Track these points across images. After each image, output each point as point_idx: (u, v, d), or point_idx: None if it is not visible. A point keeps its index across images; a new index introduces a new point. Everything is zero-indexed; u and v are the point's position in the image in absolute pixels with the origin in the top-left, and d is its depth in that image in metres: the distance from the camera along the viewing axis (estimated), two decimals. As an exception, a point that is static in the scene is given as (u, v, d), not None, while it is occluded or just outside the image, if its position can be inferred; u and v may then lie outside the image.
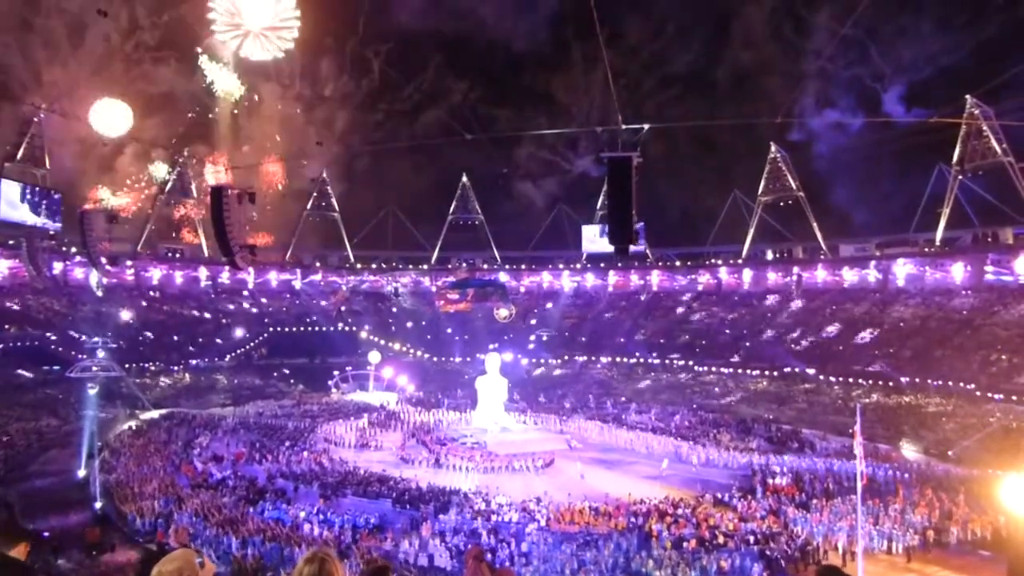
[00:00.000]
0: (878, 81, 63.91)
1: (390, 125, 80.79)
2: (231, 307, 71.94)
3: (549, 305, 77.49)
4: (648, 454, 39.59)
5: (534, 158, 79.56)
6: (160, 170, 68.64)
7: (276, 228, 75.04)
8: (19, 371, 49.25)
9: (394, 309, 78.52)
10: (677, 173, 69.19)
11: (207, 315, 69.14)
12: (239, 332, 66.37)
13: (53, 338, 54.80)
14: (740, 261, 71.89)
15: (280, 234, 75.58)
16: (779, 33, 68.19)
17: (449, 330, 73.40)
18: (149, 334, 61.80)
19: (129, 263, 65.68)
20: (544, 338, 72.29)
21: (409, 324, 75.42)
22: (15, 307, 56.12)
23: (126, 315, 59.83)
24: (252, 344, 66.97)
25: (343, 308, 75.58)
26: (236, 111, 72.46)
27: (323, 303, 75.37)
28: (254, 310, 72.51)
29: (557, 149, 78.65)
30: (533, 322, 75.38)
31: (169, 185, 70.18)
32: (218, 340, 65.75)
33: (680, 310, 72.81)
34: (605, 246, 57.21)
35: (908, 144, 58.49)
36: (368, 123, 79.83)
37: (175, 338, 63.27)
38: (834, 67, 65.35)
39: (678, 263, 76.43)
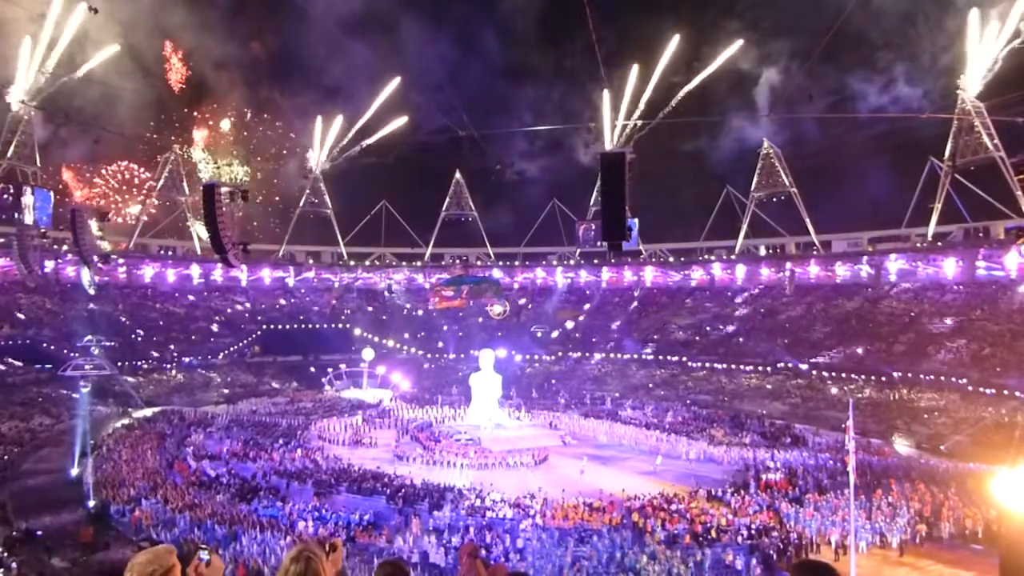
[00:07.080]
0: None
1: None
2: (224, 305, 71.62)
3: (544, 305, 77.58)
4: (643, 451, 39.68)
5: (528, 154, 79.09)
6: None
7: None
8: (11, 369, 48.91)
9: (388, 306, 78.40)
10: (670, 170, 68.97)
11: (200, 313, 68.83)
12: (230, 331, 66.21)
13: (45, 336, 54.47)
14: (733, 257, 72.02)
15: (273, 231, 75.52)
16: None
17: (443, 327, 73.33)
18: (141, 332, 61.45)
19: (121, 261, 65.23)
20: (538, 334, 72.32)
21: (407, 321, 75.32)
22: (6, 305, 55.75)
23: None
24: (245, 342, 66.70)
25: (335, 301, 75.51)
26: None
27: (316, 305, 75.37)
28: (248, 307, 72.25)
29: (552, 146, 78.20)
30: (526, 318, 75.46)
31: (160, 183, 69.78)
32: (211, 338, 65.48)
33: (673, 306, 72.91)
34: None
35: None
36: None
37: (168, 336, 62.98)
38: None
39: (671, 259, 76.47)
